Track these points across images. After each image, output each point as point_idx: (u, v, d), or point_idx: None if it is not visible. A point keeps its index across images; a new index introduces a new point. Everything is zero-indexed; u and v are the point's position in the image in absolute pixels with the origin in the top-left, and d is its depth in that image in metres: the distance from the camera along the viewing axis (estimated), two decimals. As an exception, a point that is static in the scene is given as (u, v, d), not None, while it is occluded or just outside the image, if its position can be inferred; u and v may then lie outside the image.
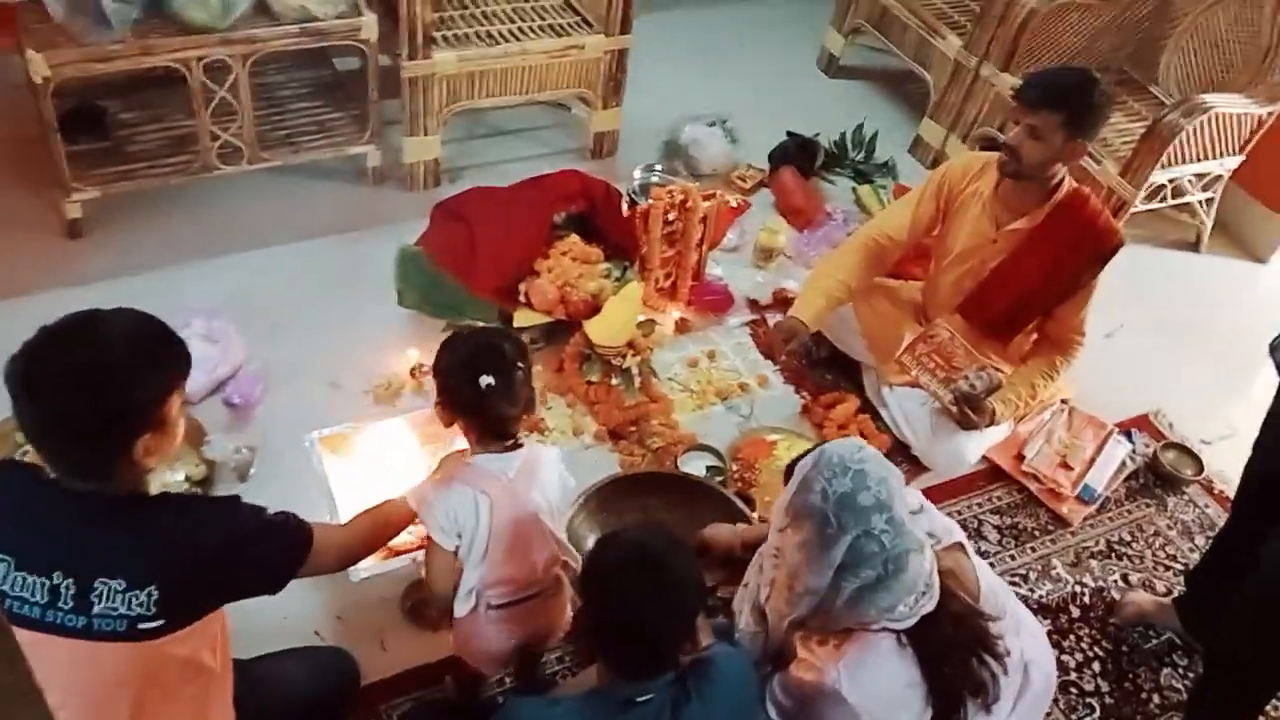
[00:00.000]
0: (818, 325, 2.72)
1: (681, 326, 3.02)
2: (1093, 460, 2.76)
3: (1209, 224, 3.66)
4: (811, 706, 1.71)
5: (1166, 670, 2.39)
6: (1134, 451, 2.85)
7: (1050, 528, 2.67)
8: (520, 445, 1.83)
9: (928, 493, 2.24)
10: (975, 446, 2.67)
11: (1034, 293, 2.55)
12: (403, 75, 3.07)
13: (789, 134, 3.68)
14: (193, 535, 1.44)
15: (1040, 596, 2.50)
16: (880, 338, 2.79)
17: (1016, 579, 2.52)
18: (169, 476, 2.24)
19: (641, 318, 2.84)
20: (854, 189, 3.67)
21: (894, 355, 2.70)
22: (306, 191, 3.23)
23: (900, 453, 2.69)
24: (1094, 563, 2.60)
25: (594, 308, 2.75)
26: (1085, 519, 2.69)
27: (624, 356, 2.73)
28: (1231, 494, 2.46)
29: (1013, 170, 2.42)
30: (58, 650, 1.35)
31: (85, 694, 1.38)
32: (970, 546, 1.89)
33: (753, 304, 3.15)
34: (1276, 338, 1.95)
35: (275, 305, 2.84)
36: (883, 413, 2.78)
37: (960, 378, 2.59)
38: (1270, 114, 3.35)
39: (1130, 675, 2.37)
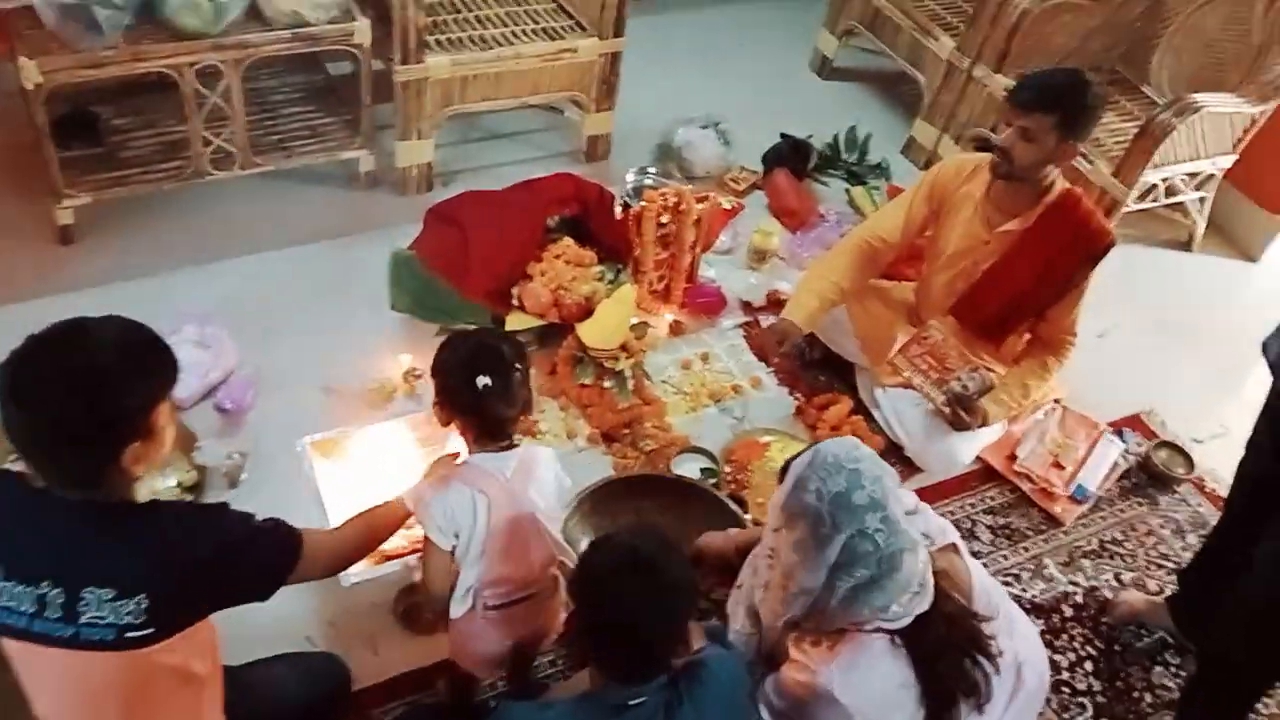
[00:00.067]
0: (811, 327, 2.72)
1: (675, 329, 3.02)
2: (1085, 460, 2.77)
3: (1202, 223, 3.66)
4: (804, 708, 1.71)
5: (1159, 669, 2.39)
6: (1126, 451, 2.85)
7: (1043, 527, 2.67)
8: (516, 445, 1.84)
9: (921, 493, 2.25)
10: (968, 447, 2.67)
11: (1026, 294, 2.55)
12: (395, 79, 3.07)
13: (782, 136, 3.68)
14: (182, 544, 1.43)
15: (1033, 596, 2.50)
16: (873, 339, 2.79)
17: (1009, 579, 2.53)
18: (160, 483, 2.24)
19: (635, 320, 2.84)
20: (847, 190, 3.68)
21: (887, 357, 2.70)
22: (299, 196, 3.23)
23: (893, 454, 2.69)
24: (1086, 562, 2.60)
25: (587, 310, 2.75)
26: (1078, 518, 2.69)
27: (617, 359, 2.73)
28: (1224, 493, 2.46)
29: (1005, 172, 2.42)
30: (45, 659, 1.35)
31: (74, 703, 1.38)
32: (964, 547, 1.89)
33: (746, 306, 3.15)
34: (1269, 336, 1.95)
35: (268, 310, 2.83)
36: (875, 414, 2.78)
37: (953, 379, 2.60)
38: (1262, 113, 3.35)
39: (1122, 674, 2.37)
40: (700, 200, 2.96)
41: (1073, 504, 2.70)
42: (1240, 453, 2.16)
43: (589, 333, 2.71)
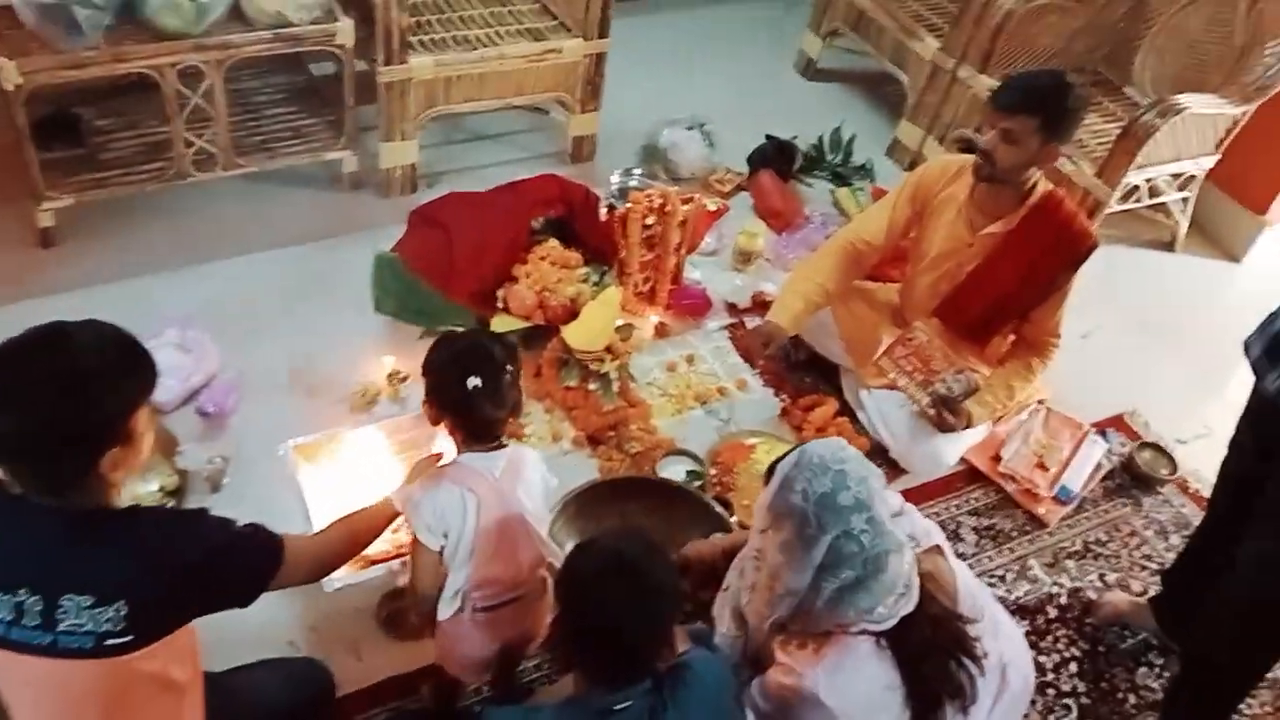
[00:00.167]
0: (796, 329, 2.72)
1: (660, 331, 3.02)
2: (1069, 460, 2.77)
3: (1184, 224, 3.68)
4: (790, 710, 1.71)
5: (1142, 670, 2.40)
6: (1110, 451, 2.86)
7: (1027, 528, 2.68)
8: (504, 446, 1.85)
9: (906, 495, 2.25)
10: (953, 448, 2.68)
11: (1009, 296, 2.56)
12: (379, 80, 3.06)
13: (767, 137, 3.68)
14: (161, 550, 1.42)
15: (1018, 598, 2.50)
16: (858, 341, 2.80)
17: (994, 580, 2.53)
18: (141, 487, 2.22)
19: (620, 322, 2.84)
20: (832, 191, 3.68)
21: (872, 358, 2.71)
22: (282, 198, 3.22)
23: (879, 455, 2.69)
24: (1071, 563, 2.61)
25: (572, 312, 2.75)
26: (1062, 519, 2.70)
27: (602, 361, 2.73)
28: (1206, 493, 2.48)
29: (987, 174, 2.43)
30: (24, 668, 1.34)
31: (53, 711, 1.37)
32: (949, 549, 1.89)
33: (731, 307, 3.15)
34: (1251, 336, 1.96)
35: (250, 313, 2.82)
36: (861, 415, 2.78)
37: (938, 380, 2.60)
38: (1244, 113, 3.37)
39: (1107, 675, 2.38)
40: (685, 202, 2.95)
41: (1057, 505, 2.71)
42: (1223, 453, 2.17)
43: (574, 335, 2.70)
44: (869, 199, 3.57)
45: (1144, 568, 2.63)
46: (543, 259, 2.80)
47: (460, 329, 2.56)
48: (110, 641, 1.36)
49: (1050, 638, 2.43)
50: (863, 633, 1.67)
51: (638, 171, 3.49)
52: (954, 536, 2.61)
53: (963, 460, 2.75)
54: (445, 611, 1.83)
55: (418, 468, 1.94)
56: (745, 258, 3.27)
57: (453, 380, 1.76)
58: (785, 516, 1.65)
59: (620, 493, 2.43)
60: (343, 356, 2.72)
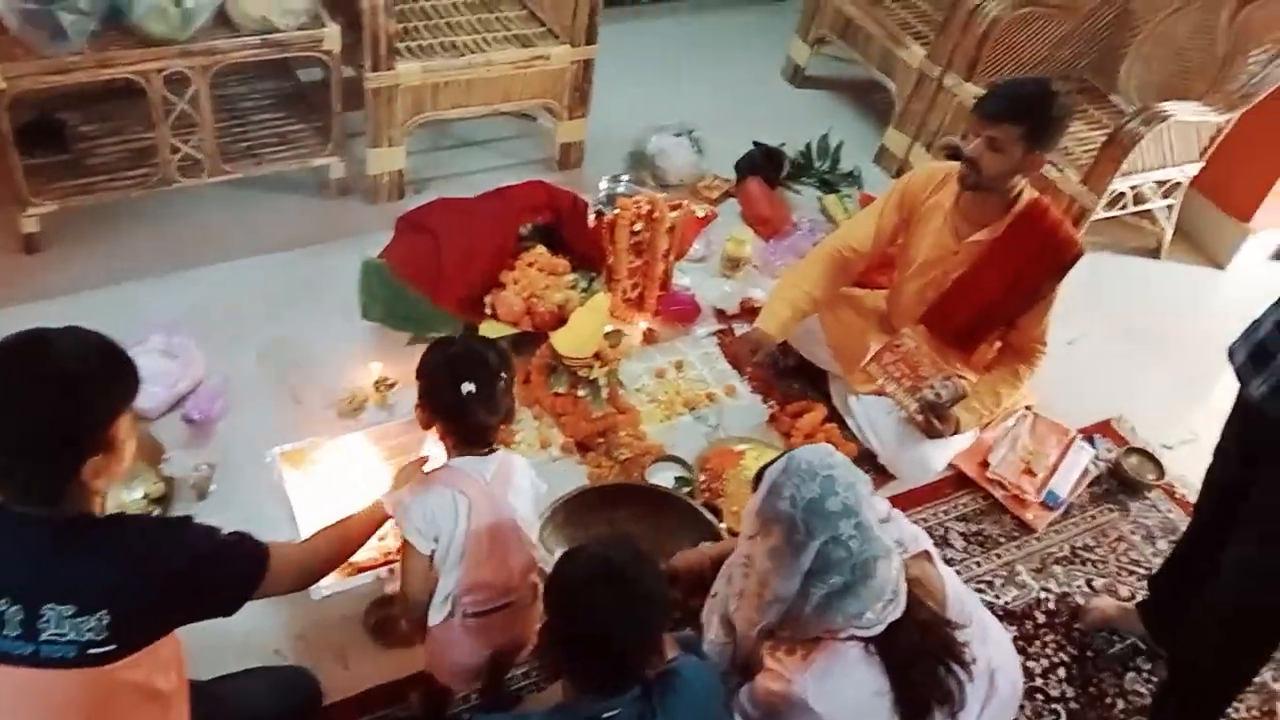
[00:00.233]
0: (784, 336, 2.73)
1: (648, 337, 3.01)
2: (1056, 466, 2.78)
3: (1169, 231, 3.70)
4: (779, 717, 1.71)
5: (1130, 675, 2.40)
6: (1097, 457, 2.87)
7: (1015, 534, 2.68)
8: (495, 451, 1.85)
9: (894, 500, 2.25)
10: (941, 454, 2.68)
11: (995, 304, 2.56)
12: (366, 86, 3.06)
13: (755, 144, 3.69)
14: (145, 558, 1.41)
15: (1006, 603, 2.51)
16: (846, 347, 2.80)
17: (983, 585, 2.53)
18: (127, 495, 2.20)
19: (608, 328, 2.83)
20: (820, 198, 3.69)
21: (860, 364, 2.71)
22: (269, 204, 3.20)
23: (867, 461, 2.69)
24: (1058, 568, 2.62)
25: (560, 319, 2.75)
26: (1050, 525, 2.71)
27: (591, 368, 2.72)
28: (1192, 499, 2.48)
29: (973, 183, 2.43)
30: (5, 678, 1.33)
31: (36, 720, 1.36)
32: (937, 555, 1.90)
33: (720, 314, 3.15)
34: (1235, 342, 1.97)
35: (237, 319, 2.81)
36: (849, 422, 2.79)
37: (926, 386, 2.60)
38: (1228, 121, 3.39)
39: (1095, 680, 2.38)
40: (674, 208, 2.96)
41: (1044, 510, 2.71)
42: (1209, 459, 2.18)
43: (562, 341, 2.70)
44: (856, 206, 3.58)
45: (1131, 573, 2.64)
46: (530, 265, 2.80)
47: (445, 335, 2.57)
48: (93, 651, 1.34)
49: (1038, 643, 2.44)
50: (851, 638, 1.67)
51: (625, 178, 3.49)
52: (942, 542, 2.61)
53: (950, 466, 2.76)
54: (436, 617, 1.82)
55: (404, 472, 1.93)
56: (733, 264, 3.27)
57: (447, 385, 1.76)
58: (773, 522, 1.66)
59: (609, 500, 2.43)
60: (330, 363, 2.72)
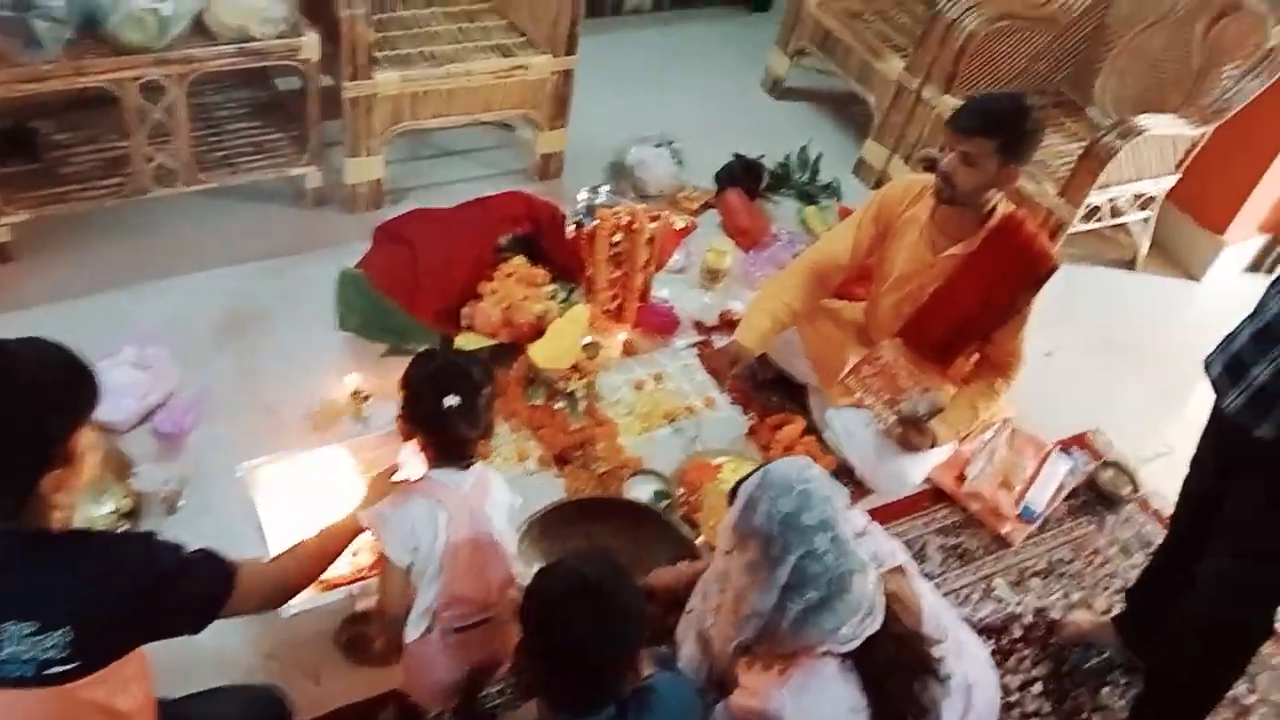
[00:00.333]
0: (762, 348, 2.72)
1: (627, 349, 3.00)
2: (1033, 479, 2.79)
3: (1145, 243, 3.73)
4: (755, 734, 1.70)
5: (1107, 689, 2.41)
6: (1073, 470, 2.88)
7: (993, 548, 2.68)
8: (473, 464, 1.85)
9: (872, 514, 2.24)
10: (918, 468, 2.68)
11: (971, 318, 2.56)
12: (344, 95, 3.04)
13: (735, 155, 3.69)
14: (108, 575, 1.38)
15: (983, 618, 2.51)
16: (824, 360, 2.80)
17: (961, 600, 2.53)
18: (95, 510, 2.17)
19: (587, 340, 2.82)
20: (799, 210, 3.70)
21: (839, 377, 2.71)
22: (245, 214, 3.18)
23: (845, 474, 2.69)
24: (1036, 581, 2.62)
25: (539, 330, 2.74)
26: (1027, 538, 2.71)
27: (569, 380, 2.71)
28: (1168, 511, 2.49)
29: (948, 197, 2.43)
30: (-37, 698, 1.30)
31: (-5, 741, 1.33)
32: (914, 569, 1.89)
33: (699, 325, 3.15)
34: (1211, 354, 1.98)
35: (212, 330, 2.78)
36: (827, 435, 2.78)
37: (904, 399, 2.61)
38: (1203, 134, 3.42)
39: (1071, 695, 2.38)
40: (653, 219, 2.95)
41: (1021, 524, 2.72)
42: (1184, 471, 2.19)
43: (540, 353, 2.69)
44: (835, 217, 3.59)
45: (1108, 586, 2.65)
46: (509, 276, 2.79)
47: (423, 348, 2.55)
48: (52, 669, 1.32)
49: (1015, 658, 2.44)
50: (828, 654, 1.66)
51: (605, 189, 3.48)
52: (920, 556, 2.61)
53: (927, 479, 2.76)
54: (413, 633, 1.81)
55: (376, 481, 1.91)
56: (713, 276, 3.27)
57: (429, 397, 1.77)
58: (750, 537, 1.65)
59: (586, 514, 2.42)
60: (305, 374, 2.69)
